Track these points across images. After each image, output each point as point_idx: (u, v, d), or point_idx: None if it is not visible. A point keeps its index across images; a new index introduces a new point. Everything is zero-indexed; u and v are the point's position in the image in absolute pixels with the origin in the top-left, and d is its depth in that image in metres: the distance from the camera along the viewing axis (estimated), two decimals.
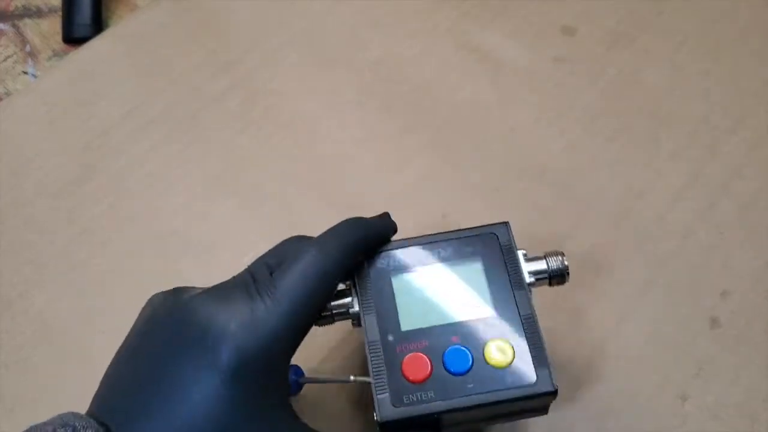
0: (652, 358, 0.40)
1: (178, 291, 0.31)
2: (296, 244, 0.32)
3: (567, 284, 0.36)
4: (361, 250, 0.34)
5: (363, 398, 0.39)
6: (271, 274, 0.31)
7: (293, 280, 0.30)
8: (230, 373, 0.27)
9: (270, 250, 0.33)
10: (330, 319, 0.34)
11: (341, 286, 0.34)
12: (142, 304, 0.33)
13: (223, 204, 0.47)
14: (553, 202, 0.45)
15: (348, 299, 0.34)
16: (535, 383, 0.31)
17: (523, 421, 0.38)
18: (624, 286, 0.42)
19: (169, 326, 0.30)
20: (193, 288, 0.31)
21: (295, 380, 0.33)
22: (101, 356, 0.42)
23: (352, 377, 0.32)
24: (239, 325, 0.28)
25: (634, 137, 0.47)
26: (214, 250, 0.45)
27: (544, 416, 0.35)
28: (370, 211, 0.37)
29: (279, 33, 0.54)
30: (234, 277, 0.31)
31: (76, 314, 0.43)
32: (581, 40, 0.52)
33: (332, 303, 0.34)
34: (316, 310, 0.31)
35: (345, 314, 0.34)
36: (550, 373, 0.31)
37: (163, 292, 0.32)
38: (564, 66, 0.51)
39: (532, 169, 0.47)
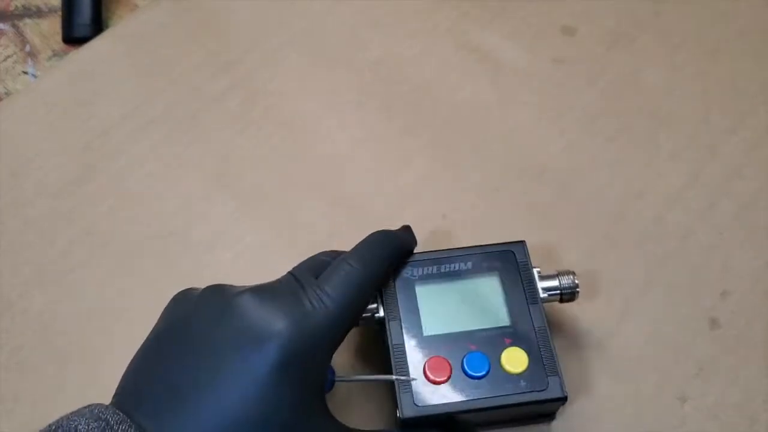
0: (652, 358, 0.40)
1: (221, 287, 0.32)
2: (333, 256, 0.34)
3: None
4: (392, 262, 0.36)
5: (371, 394, 0.39)
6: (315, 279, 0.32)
7: (339, 287, 0.32)
8: (275, 370, 0.29)
9: (306, 261, 0.35)
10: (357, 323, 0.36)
11: None
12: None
13: (223, 204, 0.47)
14: (553, 202, 0.45)
15: (374, 305, 0.36)
16: (547, 389, 0.34)
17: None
18: (624, 286, 0.42)
19: (215, 320, 0.30)
20: (233, 286, 0.32)
21: (329, 379, 0.34)
22: (101, 357, 0.42)
23: (395, 376, 0.34)
24: (287, 325, 0.30)
25: (633, 137, 0.48)
26: (214, 250, 0.45)
27: None
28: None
29: (279, 33, 0.54)
30: (278, 280, 0.33)
31: (76, 315, 0.43)
32: (581, 40, 0.52)
33: None
34: (357, 316, 0.33)
35: (370, 319, 0.36)
36: (560, 380, 0.34)
37: (203, 287, 0.33)
38: (564, 66, 0.51)
39: (532, 169, 0.47)
